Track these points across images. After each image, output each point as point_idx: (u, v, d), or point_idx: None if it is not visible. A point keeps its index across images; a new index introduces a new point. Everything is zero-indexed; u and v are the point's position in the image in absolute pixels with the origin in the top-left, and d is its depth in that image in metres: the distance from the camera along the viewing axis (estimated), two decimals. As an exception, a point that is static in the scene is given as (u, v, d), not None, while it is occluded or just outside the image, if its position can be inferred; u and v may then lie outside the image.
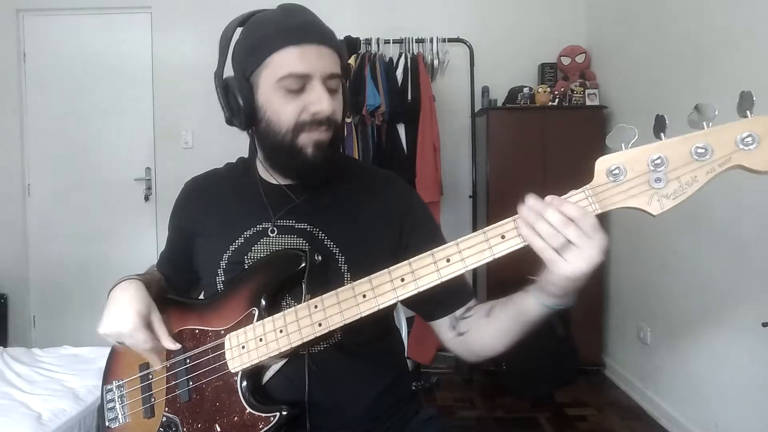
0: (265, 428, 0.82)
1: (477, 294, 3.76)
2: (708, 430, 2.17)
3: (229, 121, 0.92)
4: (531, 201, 0.70)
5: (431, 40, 3.26)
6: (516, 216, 0.71)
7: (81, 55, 3.48)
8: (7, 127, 3.47)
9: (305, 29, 0.85)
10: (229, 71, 0.91)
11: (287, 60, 0.84)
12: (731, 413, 2.06)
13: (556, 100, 3.13)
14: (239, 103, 0.88)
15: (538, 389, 2.83)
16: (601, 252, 0.68)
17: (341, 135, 0.94)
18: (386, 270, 0.77)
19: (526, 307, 0.79)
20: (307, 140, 0.87)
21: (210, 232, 0.98)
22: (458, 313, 0.94)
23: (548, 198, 0.69)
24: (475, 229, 3.43)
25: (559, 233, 0.67)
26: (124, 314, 0.87)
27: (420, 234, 0.97)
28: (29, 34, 3.50)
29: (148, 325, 0.88)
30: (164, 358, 0.91)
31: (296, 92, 0.85)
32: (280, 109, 0.86)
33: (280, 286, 0.88)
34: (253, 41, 0.87)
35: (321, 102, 0.85)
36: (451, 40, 3.32)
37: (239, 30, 0.91)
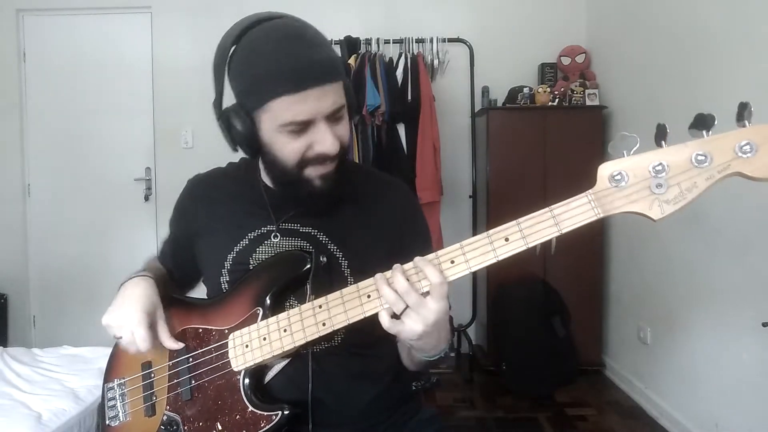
0: (267, 427, 0.82)
1: (477, 293, 3.72)
2: (708, 430, 2.17)
3: (234, 149, 0.91)
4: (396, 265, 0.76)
5: (431, 40, 3.26)
6: (519, 219, 0.73)
7: (81, 55, 3.48)
8: (7, 127, 3.47)
9: (303, 73, 0.79)
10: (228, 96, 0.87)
11: (287, 108, 0.81)
12: (731, 413, 2.06)
13: (556, 100, 3.13)
14: (242, 137, 0.86)
15: (538, 389, 2.83)
16: (438, 314, 0.74)
17: (348, 154, 0.94)
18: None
19: (414, 354, 0.91)
20: (313, 173, 0.87)
21: (213, 231, 0.98)
22: None
23: (417, 259, 0.75)
24: (475, 229, 3.41)
25: (401, 299, 0.74)
26: (130, 309, 0.89)
27: (411, 250, 0.93)
28: (29, 34, 3.50)
29: (152, 325, 0.89)
30: (165, 354, 0.92)
31: (300, 132, 0.84)
32: (284, 148, 0.85)
33: (285, 286, 0.88)
34: (250, 81, 0.82)
35: (325, 142, 0.84)
36: (451, 40, 3.32)
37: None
